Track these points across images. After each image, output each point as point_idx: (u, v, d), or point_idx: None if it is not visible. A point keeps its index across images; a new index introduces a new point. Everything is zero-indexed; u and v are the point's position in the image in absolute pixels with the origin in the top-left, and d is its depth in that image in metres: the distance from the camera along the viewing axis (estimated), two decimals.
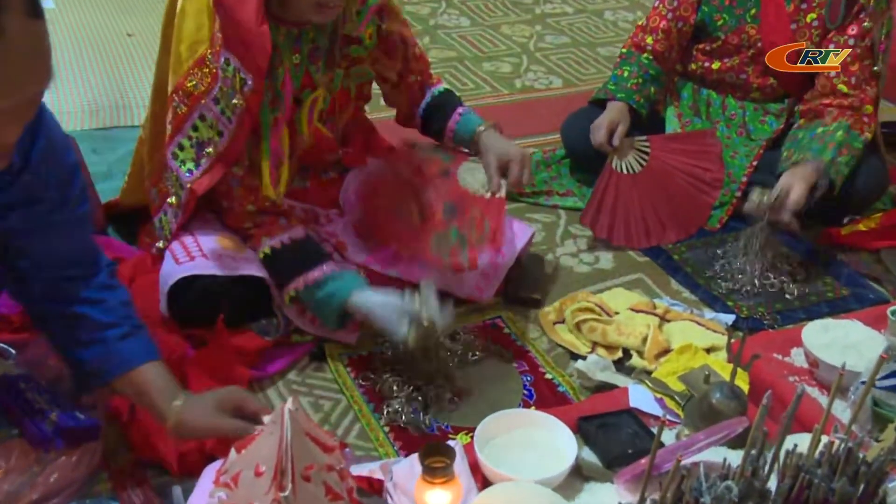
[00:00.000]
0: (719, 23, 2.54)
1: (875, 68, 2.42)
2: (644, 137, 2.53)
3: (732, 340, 1.73)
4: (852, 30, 2.40)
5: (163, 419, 1.50)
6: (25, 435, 1.48)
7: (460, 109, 2.20)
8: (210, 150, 1.87)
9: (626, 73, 2.60)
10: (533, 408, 1.84)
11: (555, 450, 1.60)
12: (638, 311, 2.11)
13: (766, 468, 1.21)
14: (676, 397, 1.82)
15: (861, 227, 2.45)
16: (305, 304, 1.93)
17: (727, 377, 1.70)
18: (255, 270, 1.91)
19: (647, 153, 2.50)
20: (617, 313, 2.12)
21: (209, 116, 1.85)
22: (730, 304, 2.22)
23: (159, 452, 1.62)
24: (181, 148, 1.90)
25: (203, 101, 1.84)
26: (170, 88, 1.90)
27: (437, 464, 1.41)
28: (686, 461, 1.45)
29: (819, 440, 1.24)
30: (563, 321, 2.12)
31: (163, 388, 1.51)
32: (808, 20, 2.46)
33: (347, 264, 2.04)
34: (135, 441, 1.66)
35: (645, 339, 1.99)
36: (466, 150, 2.21)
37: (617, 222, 2.45)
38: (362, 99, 2.17)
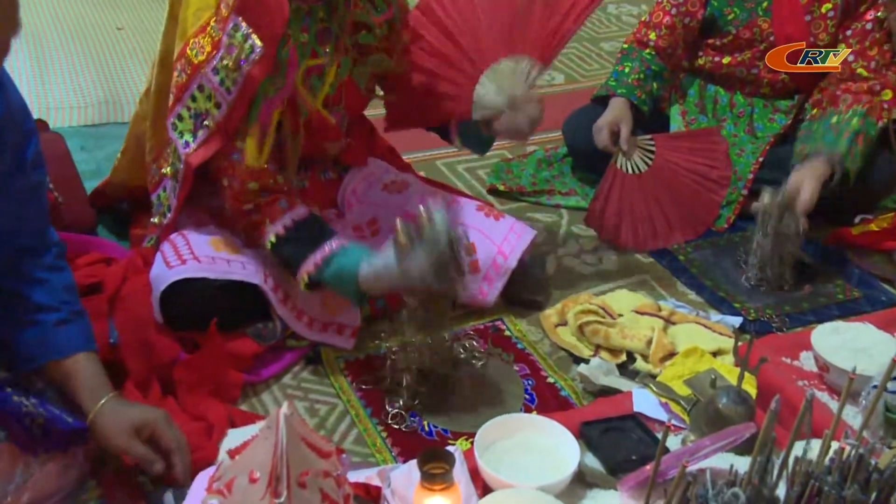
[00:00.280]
0: (730, 17, 2.54)
1: None
2: (649, 136, 2.53)
3: (740, 343, 1.73)
4: (870, 15, 2.41)
5: (83, 415, 1.53)
6: (13, 438, 1.48)
7: None
8: (208, 122, 1.86)
9: (627, 69, 2.60)
10: (534, 412, 1.84)
11: (557, 456, 1.60)
12: (642, 314, 2.11)
13: (775, 475, 1.21)
14: (682, 402, 1.82)
15: (873, 226, 2.44)
16: (324, 286, 1.91)
17: (734, 381, 1.70)
18: (250, 276, 1.91)
19: (652, 152, 2.50)
20: (621, 315, 2.12)
21: (207, 87, 1.85)
22: (737, 306, 2.22)
23: None
24: (180, 118, 1.91)
25: (203, 71, 1.84)
26: (175, 55, 1.91)
27: (436, 470, 1.41)
28: (692, 467, 1.45)
29: (829, 446, 1.24)
30: (565, 324, 2.12)
31: (88, 383, 1.54)
32: (823, 10, 2.46)
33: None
34: None
35: (649, 342, 1.99)
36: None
37: (623, 223, 2.45)
38: (371, 93, 2.17)
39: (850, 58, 2.42)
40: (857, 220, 2.48)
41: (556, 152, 2.82)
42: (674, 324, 2.09)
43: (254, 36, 1.78)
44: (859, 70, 2.41)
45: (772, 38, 2.51)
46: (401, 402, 1.86)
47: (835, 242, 2.46)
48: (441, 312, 1.84)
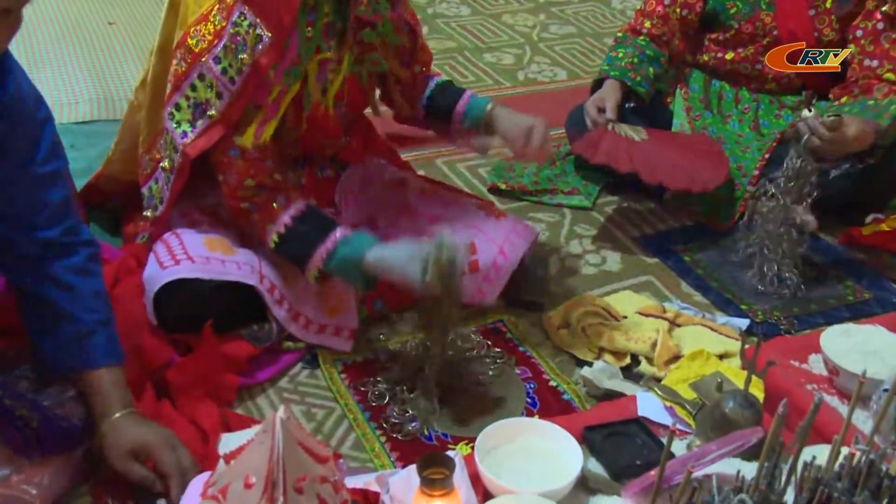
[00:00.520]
0: (732, 11, 2.55)
1: None
2: (640, 127, 2.53)
3: (747, 346, 1.73)
4: (879, 14, 2.40)
5: (97, 425, 1.56)
6: (6, 441, 1.49)
7: (468, 93, 2.21)
8: (212, 112, 1.86)
9: (620, 54, 2.62)
10: (536, 416, 1.84)
11: (559, 461, 1.60)
12: (647, 316, 2.11)
13: (783, 481, 1.21)
14: (687, 406, 1.82)
15: (884, 226, 2.44)
16: (332, 275, 1.93)
17: (741, 385, 1.70)
18: (245, 276, 1.91)
19: (645, 134, 2.50)
20: (625, 317, 2.12)
21: (208, 76, 1.85)
22: (744, 307, 2.22)
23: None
24: (178, 108, 1.91)
25: (203, 59, 1.85)
26: (174, 43, 1.91)
27: (435, 475, 1.41)
28: (697, 473, 1.45)
29: (839, 452, 1.24)
30: (568, 326, 2.12)
31: (101, 399, 1.57)
32: (827, 5, 2.46)
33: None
34: None
35: (654, 345, 1.99)
36: (474, 133, 2.21)
37: (620, 150, 2.40)
38: (373, 90, 2.17)
39: (875, 62, 2.42)
40: (868, 219, 2.48)
41: (558, 150, 2.82)
42: (679, 326, 2.09)
43: (262, 25, 1.79)
44: (887, 74, 2.40)
45: (775, 33, 2.51)
46: (397, 409, 1.86)
47: (845, 242, 2.46)
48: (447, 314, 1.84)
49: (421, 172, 2.47)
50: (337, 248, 1.86)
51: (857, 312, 2.22)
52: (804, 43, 2.49)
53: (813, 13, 2.47)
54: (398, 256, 1.80)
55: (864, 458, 1.20)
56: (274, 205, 1.90)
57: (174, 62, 1.91)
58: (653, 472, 1.48)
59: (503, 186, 2.68)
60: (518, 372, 1.99)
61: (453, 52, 3.59)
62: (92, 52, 3.33)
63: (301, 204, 1.92)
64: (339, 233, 1.88)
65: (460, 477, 1.51)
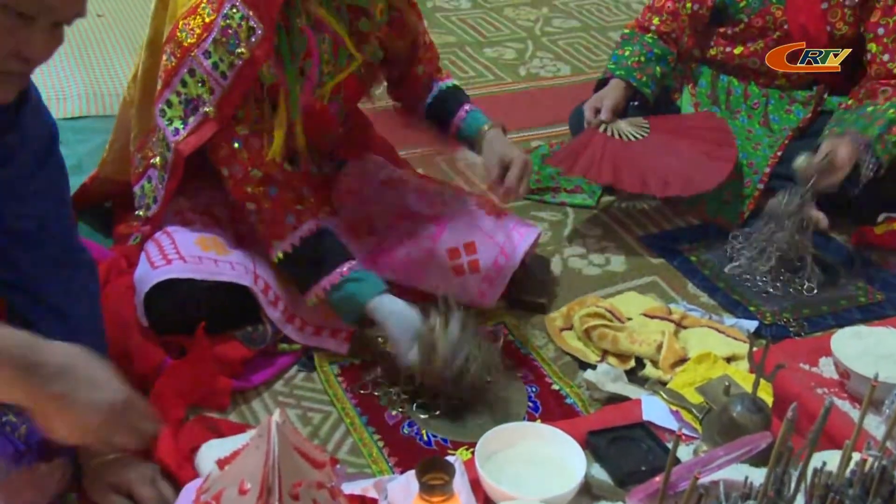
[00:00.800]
0: (741, 4, 2.55)
1: None
2: (642, 118, 2.54)
3: (755, 349, 1.73)
4: None
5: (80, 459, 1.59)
6: None
7: (467, 107, 2.21)
8: (207, 109, 1.86)
9: (626, 52, 2.62)
10: (538, 421, 1.83)
11: (562, 466, 1.61)
12: (652, 317, 2.11)
13: (792, 487, 1.21)
14: (694, 410, 1.82)
15: None
16: (328, 304, 1.94)
17: (749, 389, 1.70)
18: (239, 277, 1.91)
19: (646, 126, 2.51)
20: (629, 319, 2.12)
21: (199, 71, 1.85)
22: (752, 309, 2.22)
23: None
24: (169, 105, 1.91)
25: (193, 54, 1.85)
26: (164, 37, 1.91)
27: (435, 481, 1.41)
28: (704, 479, 1.45)
29: (850, 457, 1.24)
30: (570, 328, 2.12)
31: None
32: None
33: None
34: None
35: (660, 347, 1.99)
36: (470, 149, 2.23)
37: (604, 162, 2.42)
38: (370, 83, 2.18)
39: (886, 57, 2.43)
40: (880, 218, 2.49)
41: (561, 148, 2.82)
42: (685, 328, 2.09)
43: (254, 17, 1.79)
44: None
45: (785, 27, 2.52)
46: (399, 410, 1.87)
47: (857, 242, 2.47)
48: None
49: (420, 170, 2.47)
50: (343, 285, 1.88)
51: (869, 314, 2.22)
52: (804, 43, 2.50)
53: (825, 6, 2.47)
54: (397, 321, 1.85)
55: (876, 465, 1.20)
56: (285, 222, 1.91)
57: (164, 57, 1.91)
58: (658, 479, 1.48)
59: None
60: (520, 375, 1.99)
61: (453, 46, 3.59)
62: (81, 46, 3.32)
63: (312, 224, 1.92)
64: (347, 267, 1.89)
65: (460, 483, 1.51)
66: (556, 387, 1.97)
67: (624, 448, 1.69)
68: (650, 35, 2.62)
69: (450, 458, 1.53)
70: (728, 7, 2.57)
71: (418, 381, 1.84)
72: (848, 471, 1.23)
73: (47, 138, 1.54)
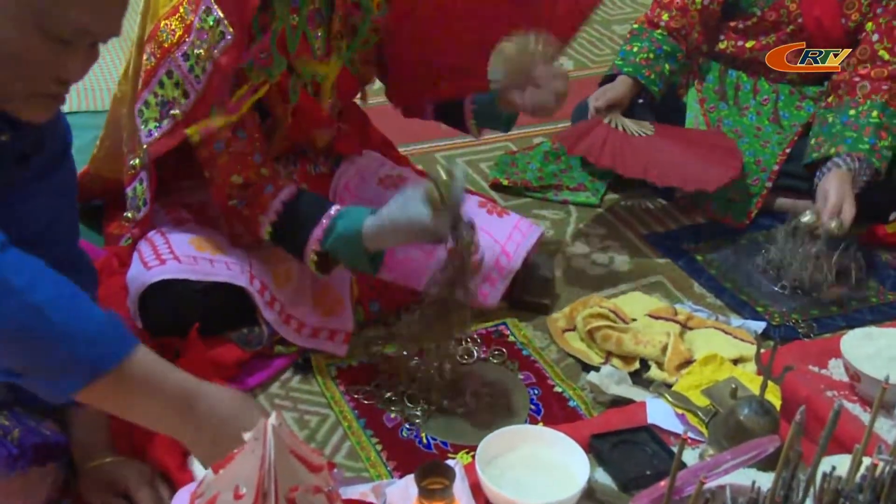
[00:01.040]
0: None
1: None
2: (647, 121, 2.54)
3: (762, 350, 1.73)
4: None
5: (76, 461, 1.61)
6: None
7: None
8: (175, 111, 1.85)
9: (635, 49, 2.62)
10: (541, 424, 1.84)
11: (565, 471, 1.61)
12: (657, 318, 2.11)
13: (801, 492, 1.21)
14: (700, 413, 1.82)
15: None
16: (334, 260, 1.90)
17: (756, 391, 1.70)
18: (234, 277, 1.91)
19: (651, 128, 2.51)
20: (634, 320, 2.12)
21: (176, 73, 1.84)
22: (760, 309, 2.22)
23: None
24: (147, 105, 1.90)
25: (172, 55, 1.84)
26: (145, 36, 1.91)
27: (434, 486, 1.41)
28: (710, 484, 1.45)
29: (860, 462, 1.24)
30: (573, 328, 2.12)
31: (83, 440, 1.61)
32: None
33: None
34: None
35: (665, 349, 1.99)
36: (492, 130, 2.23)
37: (606, 146, 2.42)
38: (363, 79, 2.17)
39: (875, 37, 2.44)
40: (892, 217, 2.49)
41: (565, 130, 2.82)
42: (691, 329, 2.09)
43: (225, 21, 1.78)
44: (881, 52, 2.43)
45: (800, 20, 2.51)
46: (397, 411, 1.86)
47: (868, 241, 2.46)
48: (458, 310, 1.84)
49: (419, 167, 2.47)
50: (333, 225, 1.83)
51: (880, 315, 2.22)
52: (804, 43, 2.51)
53: None
54: (394, 208, 1.76)
55: (887, 469, 1.20)
56: (263, 194, 1.88)
57: (144, 57, 1.90)
58: (663, 483, 1.47)
59: (506, 182, 2.68)
60: (521, 377, 1.99)
61: None
62: None
63: (292, 188, 1.90)
64: (333, 209, 1.85)
65: (460, 487, 1.51)
66: (558, 389, 1.97)
67: (628, 452, 1.69)
68: (660, 31, 2.62)
69: (450, 462, 1.53)
70: (740, 1, 2.57)
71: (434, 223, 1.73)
72: (858, 476, 1.23)
73: (62, 142, 1.56)
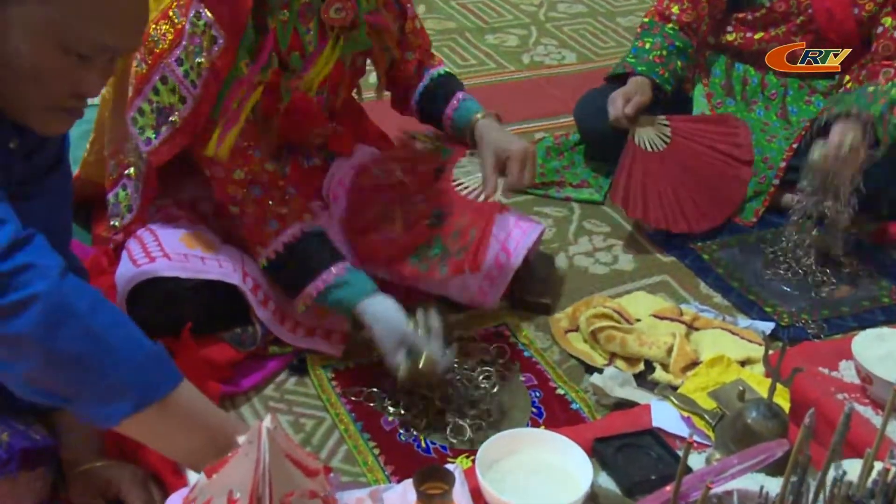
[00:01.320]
0: None
1: None
2: (663, 116, 2.54)
3: (771, 352, 1.73)
4: None
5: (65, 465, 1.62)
6: None
7: (459, 95, 2.20)
8: (174, 118, 1.86)
9: (647, 45, 2.61)
10: (543, 427, 1.84)
11: (567, 475, 1.60)
12: (662, 318, 2.12)
13: (810, 498, 1.21)
14: (706, 416, 1.82)
15: None
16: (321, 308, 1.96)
17: (764, 394, 1.70)
18: (227, 275, 1.91)
19: (668, 130, 2.51)
20: (638, 320, 2.12)
21: (171, 79, 1.85)
22: (768, 310, 2.22)
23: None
24: (141, 113, 1.90)
25: (165, 61, 1.84)
26: None
27: (434, 490, 1.41)
28: (717, 489, 1.45)
29: (872, 466, 1.24)
30: (576, 329, 2.12)
31: (74, 445, 1.62)
32: None
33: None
34: None
35: (670, 350, 1.99)
36: (465, 143, 2.22)
37: (650, 201, 2.45)
38: (357, 74, 2.17)
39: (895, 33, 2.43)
40: None
41: (566, 140, 2.82)
42: (697, 329, 2.09)
43: (216, 25, 1.78)
44: None
45: (810, 11, 2.51)
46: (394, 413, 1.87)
47: (879, 240, 2.47)
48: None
49: None
50: (330, 291, 1.88)
51: (892, 315, 2.22)
52: (804, 43, 2.52)
53: None
54: (384, 325, 1.84)
55: None
56: (267, 227, 1.91)
57: (134, 63, 1.90)
58: (668, 488, 1.47)
59: None
60: (523, 379, 2.00)
61: (453, 32, 3.58)
62: None
63: (296, 229, 1.92)
64: (334, 270, 1.89)
65: (460, 492, 1.51)
66: (560, 391, 1.97)
67: (632, 456, 1.68)
68: (671, 25, 2.61)
69: (449, 467, 1.52)
70: None
71: (404, 381, 1.83)
72: (870, 481, 1.23)
73: (60, 144, 1.57)
